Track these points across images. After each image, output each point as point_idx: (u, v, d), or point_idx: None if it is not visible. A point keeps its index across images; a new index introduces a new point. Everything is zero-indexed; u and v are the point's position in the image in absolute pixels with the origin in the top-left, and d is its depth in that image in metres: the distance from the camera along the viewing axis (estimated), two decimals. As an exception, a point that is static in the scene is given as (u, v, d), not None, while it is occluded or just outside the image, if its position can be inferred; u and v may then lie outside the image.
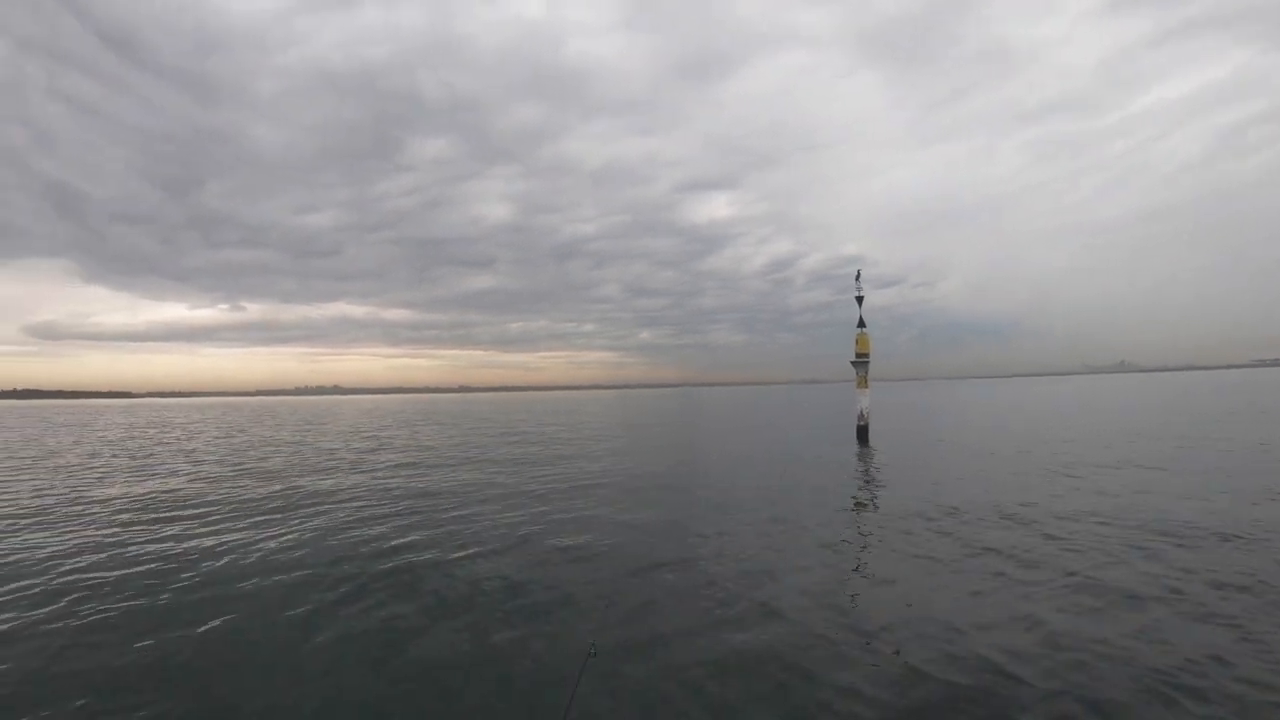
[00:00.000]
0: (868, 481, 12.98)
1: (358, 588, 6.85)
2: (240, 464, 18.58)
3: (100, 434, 33.35)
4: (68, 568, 7.81)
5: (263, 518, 10.63)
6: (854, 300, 20.67)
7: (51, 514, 11.24)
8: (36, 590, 6.97)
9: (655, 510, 10.59)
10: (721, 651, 5.04)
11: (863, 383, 20.82)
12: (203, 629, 5.78)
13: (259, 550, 8.48)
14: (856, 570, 7.07)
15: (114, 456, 21.50)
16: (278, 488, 13.76)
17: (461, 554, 8.10)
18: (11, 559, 8.27)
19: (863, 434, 20.78)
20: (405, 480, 14.62)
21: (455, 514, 10.62)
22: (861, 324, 20.41)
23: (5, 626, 5.91)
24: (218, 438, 29.65)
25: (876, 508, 10.34)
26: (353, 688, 4.62)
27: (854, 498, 11.26)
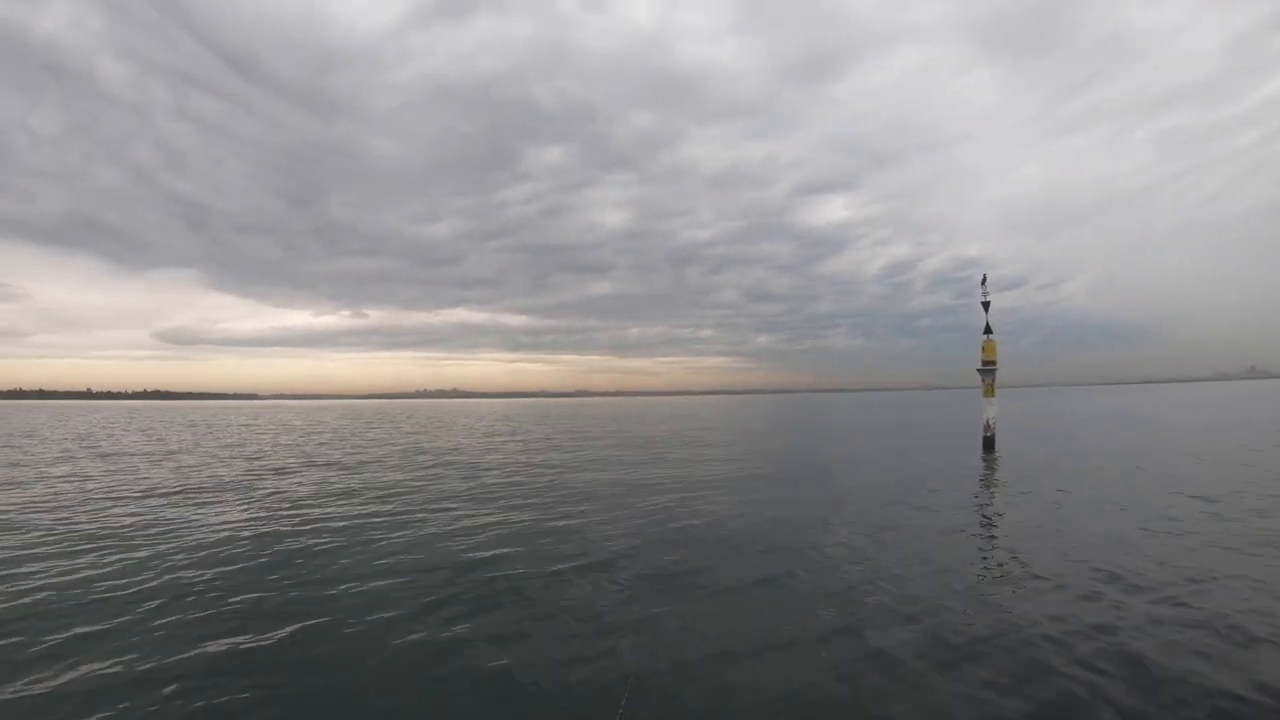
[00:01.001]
0: (990, 500, 12.47)
1: (447, 591, 7.18)
2: (352, 464, 20.10)
3: (218, 432, 36.68)
4: (158, 549, 8.88)
5: (363, 516, 11.52)
6: (977, 305, 20.06)
7: (165, 501, 12.70)
8: (138, 571, 8.00)
9: (763, 520, 10.56)
10: (802, 679, 4.86)
11: (989, 391, 20.10)
12: (295, 622, 6.24)
13: (358, 549, 9.09)
14: (955, 603, 6.47)
15: (229, 452, 23.70)
16: (384, 489, 14.85)
17: (555, 565, 8.23)
18: (124, 539, 9.47)
19: (989, 444, 20.05)
20: (510, 486, 15.27)
21: (555, 522, 10.86)
22: (988, 330, 19.74)
23: (104, 595, 6.96)
24: (331, 439, 32.00)
25: (996, 532, 9.82)
26: (420, 692, 4.86)
27: (976, 516, 10.79)
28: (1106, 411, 48.31)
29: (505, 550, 8.86)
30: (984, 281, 19.87)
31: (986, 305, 19.77)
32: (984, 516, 10.72)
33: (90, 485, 15.38)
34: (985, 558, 8.12)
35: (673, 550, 8.73)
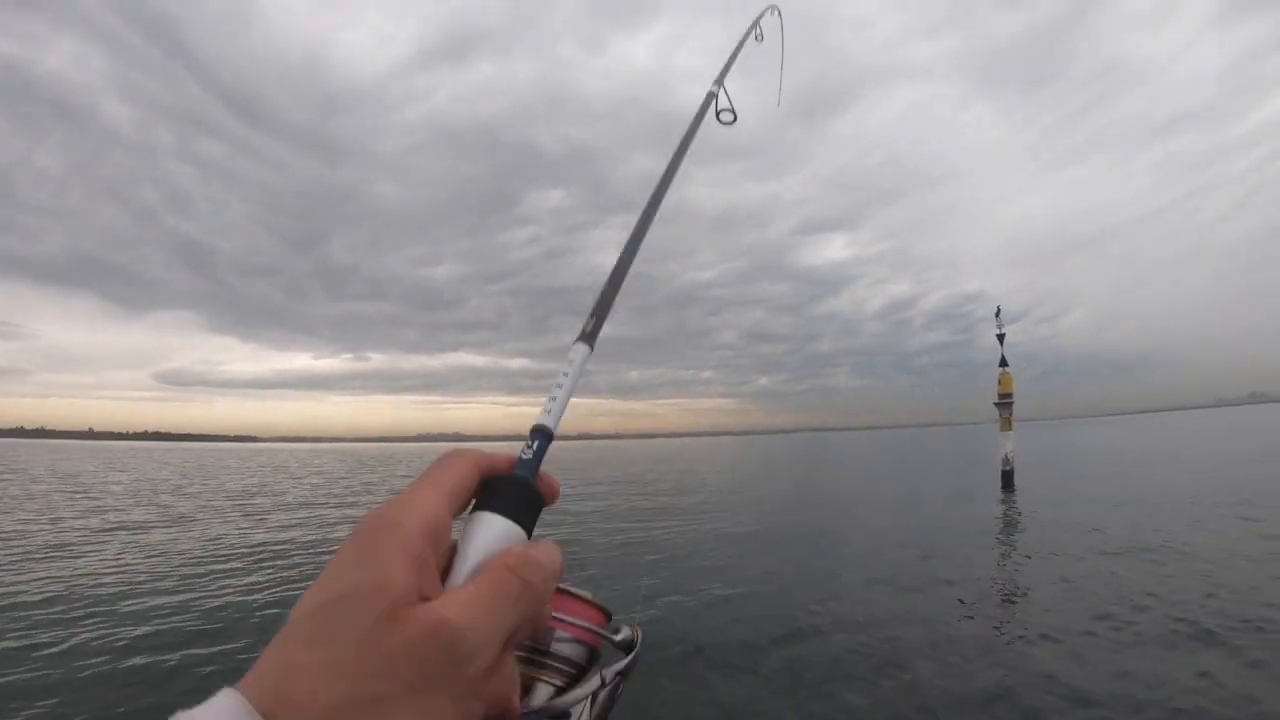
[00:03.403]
0: (1018, 542, 11.75)
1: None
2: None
3: (208, 476, 35.98)
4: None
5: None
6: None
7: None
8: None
9: (766, 577, 9.66)
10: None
11: (1007, 425, 19.55)
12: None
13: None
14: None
15: (216, 497, 23.02)
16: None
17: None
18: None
19: (1008, 480, 19.41)
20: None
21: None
22: (1004, 363, 19.31)
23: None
24: (319, 485, 31.35)
25: (1030, 578, 9.13)
26: None
27: (1006, 561, 10.06)
28: (1113, 444, 47.64)
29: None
30: (998, 314, 19.53)
31: (1001, 338, 19.39)
32: (1014, 561, 10.06)
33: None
34: (1023, 609, 7.47)
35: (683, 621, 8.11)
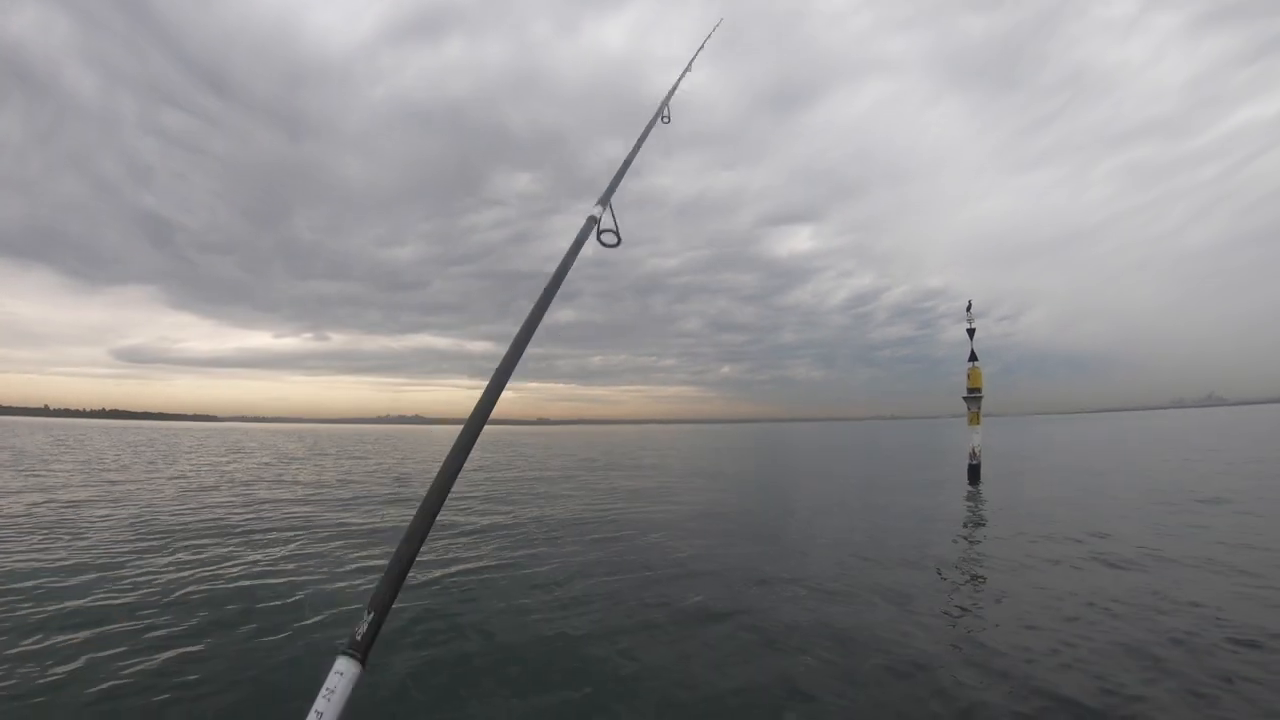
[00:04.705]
0: (984, 535, 11.99)
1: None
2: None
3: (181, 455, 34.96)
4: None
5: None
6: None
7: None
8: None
9: (740, 565, 9.70)
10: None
11: (975, 419, 19.78)
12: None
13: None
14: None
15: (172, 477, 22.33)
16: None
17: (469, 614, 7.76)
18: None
19: (974, 473, 19.65)
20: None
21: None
22: (973, 357, 19.50)
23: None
24: (269, 464, 30.61)
25: (997, 570, 9.45)
26: None
27: (974, 554, 10.21)
28: (1074, 442, 48.81)
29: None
30: (969, 308, 19.70)
31: (971, 332, 19.56)
32: (978, 553, 10.12)
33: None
34: (988, 603, 7.46)
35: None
